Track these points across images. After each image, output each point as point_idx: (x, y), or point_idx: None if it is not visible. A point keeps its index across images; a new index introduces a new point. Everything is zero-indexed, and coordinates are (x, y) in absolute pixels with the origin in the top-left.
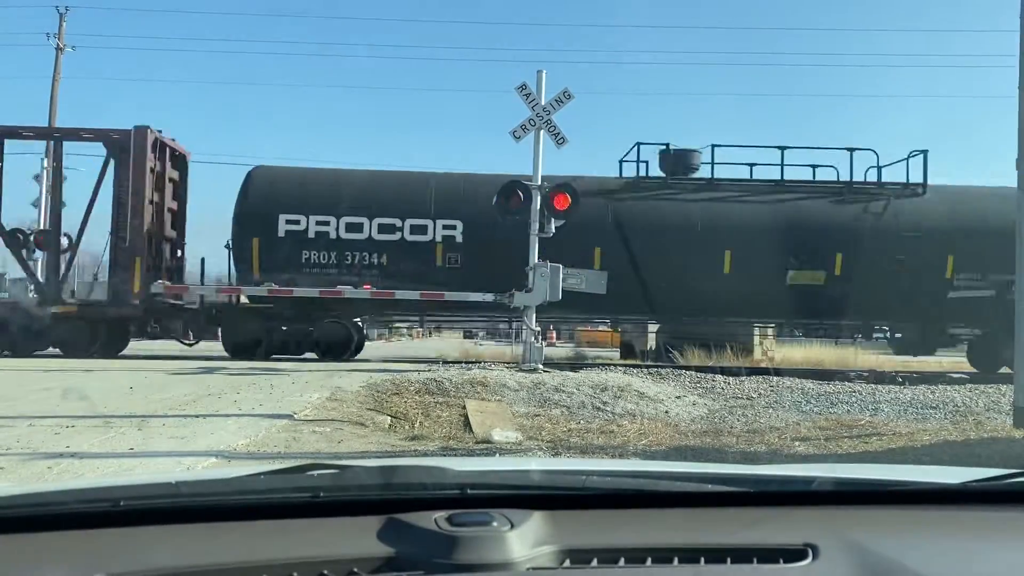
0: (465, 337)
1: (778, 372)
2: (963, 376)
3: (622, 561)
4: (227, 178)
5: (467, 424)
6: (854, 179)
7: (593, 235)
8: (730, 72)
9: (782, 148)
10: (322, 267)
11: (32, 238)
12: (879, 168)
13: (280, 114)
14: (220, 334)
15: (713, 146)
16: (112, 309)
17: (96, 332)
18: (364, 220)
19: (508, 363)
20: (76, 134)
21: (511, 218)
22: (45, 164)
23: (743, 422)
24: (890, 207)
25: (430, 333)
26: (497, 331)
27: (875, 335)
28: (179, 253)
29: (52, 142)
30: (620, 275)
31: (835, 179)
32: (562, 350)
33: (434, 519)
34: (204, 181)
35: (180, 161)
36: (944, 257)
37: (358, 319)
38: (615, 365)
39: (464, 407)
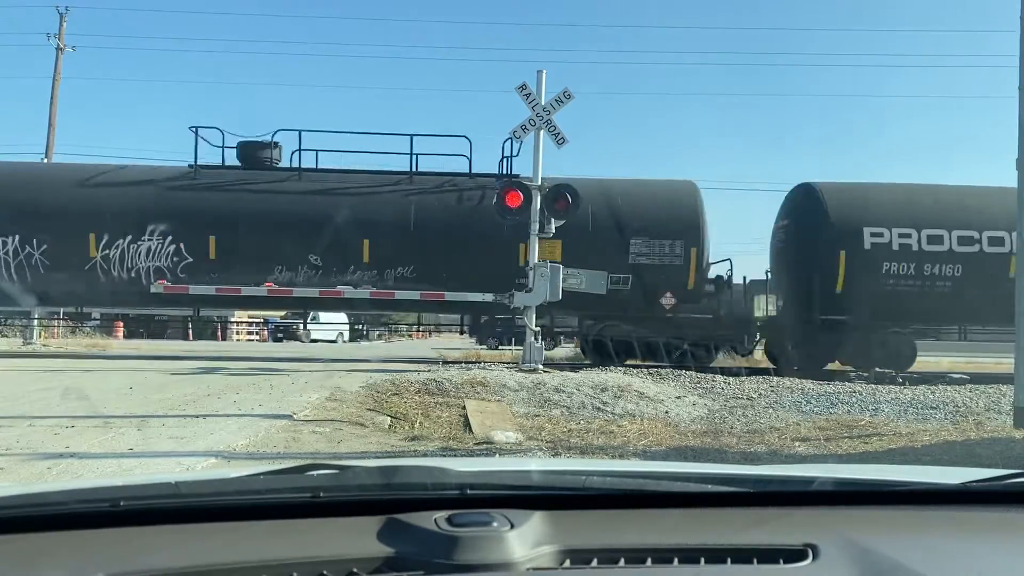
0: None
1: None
2: (963, 376)
3: (622, 561)
4: None
5: (467, 424)
6: None
7: None
8: (729, 72)
9: None
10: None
11: None
12: None
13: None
14: None
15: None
16: None
17: None
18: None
19: (508, 363)
20: None
21: (511, 218)
22: None
23: (743, 422)
24: None
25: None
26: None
27: None
28: None
29: None
30: None
31: None
32: (562, 351)
33: (434, 519)
34: None
35: None
36: None
37: None
38: (614, 365)
39: (464, 407)
